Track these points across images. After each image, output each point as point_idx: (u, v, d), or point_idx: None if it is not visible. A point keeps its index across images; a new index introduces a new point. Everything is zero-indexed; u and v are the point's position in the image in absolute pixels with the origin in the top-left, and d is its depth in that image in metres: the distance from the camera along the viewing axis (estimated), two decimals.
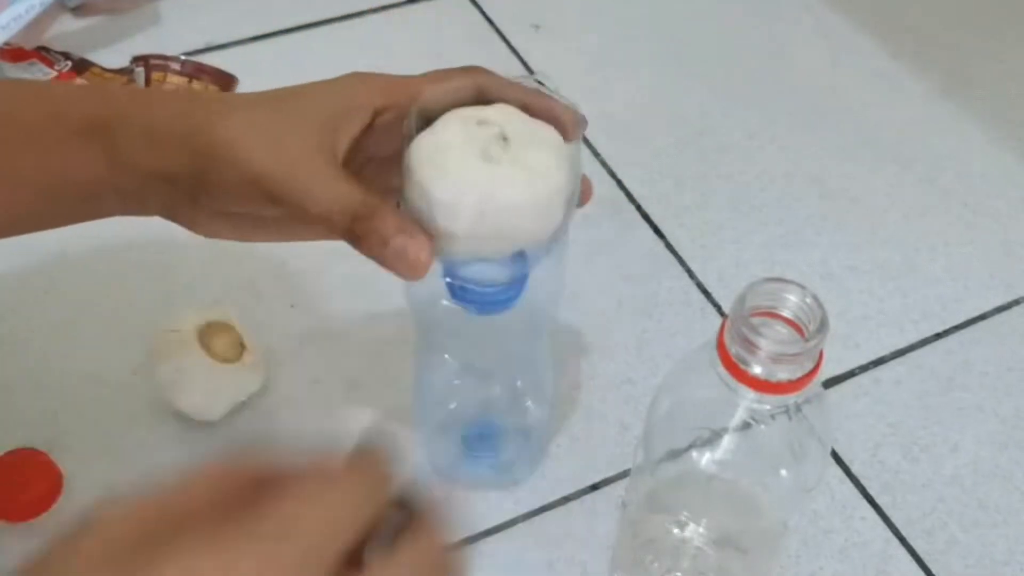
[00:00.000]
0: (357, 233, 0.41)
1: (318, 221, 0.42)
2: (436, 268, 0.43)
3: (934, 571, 0.57)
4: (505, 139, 0.42)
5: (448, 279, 0.45)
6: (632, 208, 0.73)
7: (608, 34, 0.86)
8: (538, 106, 0.45)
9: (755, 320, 0.39)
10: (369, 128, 0.45)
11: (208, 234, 0.47)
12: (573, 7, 0.88)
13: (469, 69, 0.46)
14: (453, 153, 0.42)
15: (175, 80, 0.74)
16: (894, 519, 0.58)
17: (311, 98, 0.45)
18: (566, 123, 0.45)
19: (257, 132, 0.43)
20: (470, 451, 0.57)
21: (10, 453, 0.57)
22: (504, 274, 0.45)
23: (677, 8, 0.89)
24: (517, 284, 0.46)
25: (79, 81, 0.75)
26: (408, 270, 0.41)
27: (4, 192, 0.45)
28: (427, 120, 0.44)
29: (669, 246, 0.71)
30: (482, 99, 0.45)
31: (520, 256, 0.44)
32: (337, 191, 0.42)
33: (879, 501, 0.59)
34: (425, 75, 0.47)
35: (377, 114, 0.46)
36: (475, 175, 0.41)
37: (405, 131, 0.44)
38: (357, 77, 0.47)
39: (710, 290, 0.69)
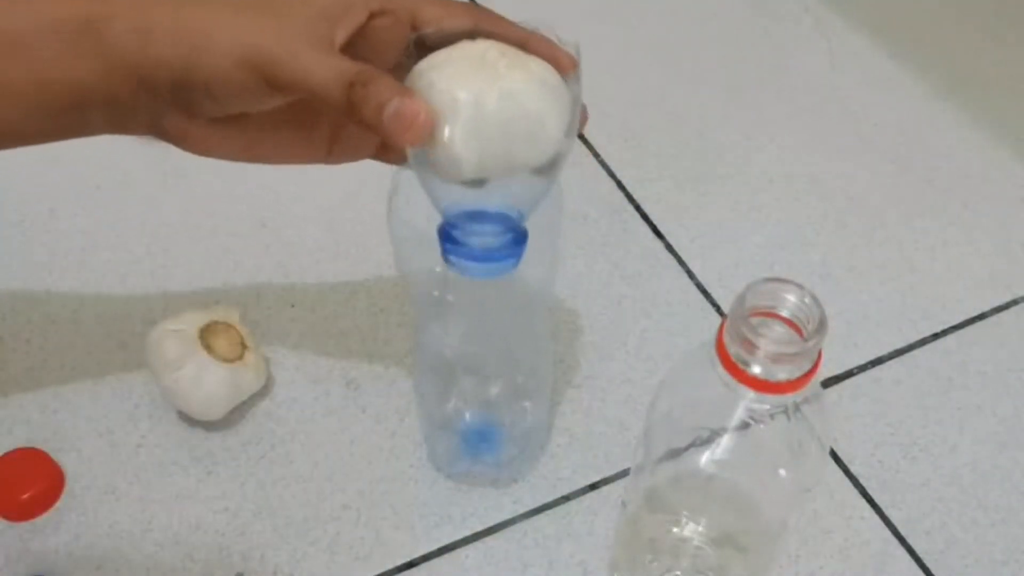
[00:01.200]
0: (354, 100, 0.41)
1: (316, 93, 0.42)
2: (435, 222, 0.44)
3: (933, 571, 0.57)
4: (504, 56, 0.43)
5: (448, 228, 0.45)
6: (631, 208, 0.73)
7: (608, 34, 0.86)
8: (535, 45, 0.45)
9: (754, 320, 0.39)
10: (363, 29, 0.45)
11: (200, 151, 0.46)
12: (573, 7, 0.88)
13: (468, 7, 0.46)
14: (454, 64, 0.42)
15: None
16: (893, 519, 0.58)
17: None
18: (561, 59, 0.45)
19: (252, 18, 0.43)
20: (469, 448, 0.57)
21: (10, 453, 0.57)
22: (503, 223, 0.45)
23: (677, 8, 0.89)
24: (516, 241, 0.45)
25: None
26: (407, 130, 0.41)
27: None
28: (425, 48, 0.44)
29: (668, 246, 0.71)
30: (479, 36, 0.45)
31: (519, 201, 0.45)
32: (333, 61, 0.42)
33: (878, 501, 0.59)
34: None
35: (372, 16, 0.45)
36: (476, 75, 0.42)
37: (405, 53, 0.44)
38: (331, 74, 0.47)
39: (709, 290, 0.69)
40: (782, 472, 0.44)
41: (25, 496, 0.55)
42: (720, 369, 0.39)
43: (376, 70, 0.42)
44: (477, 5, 0.47)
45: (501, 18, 0.46)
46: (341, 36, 0.44)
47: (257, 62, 0.42)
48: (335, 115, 0.47)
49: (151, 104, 0.45)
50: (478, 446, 0.57)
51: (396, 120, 0.41)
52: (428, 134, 0.41)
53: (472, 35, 0.45)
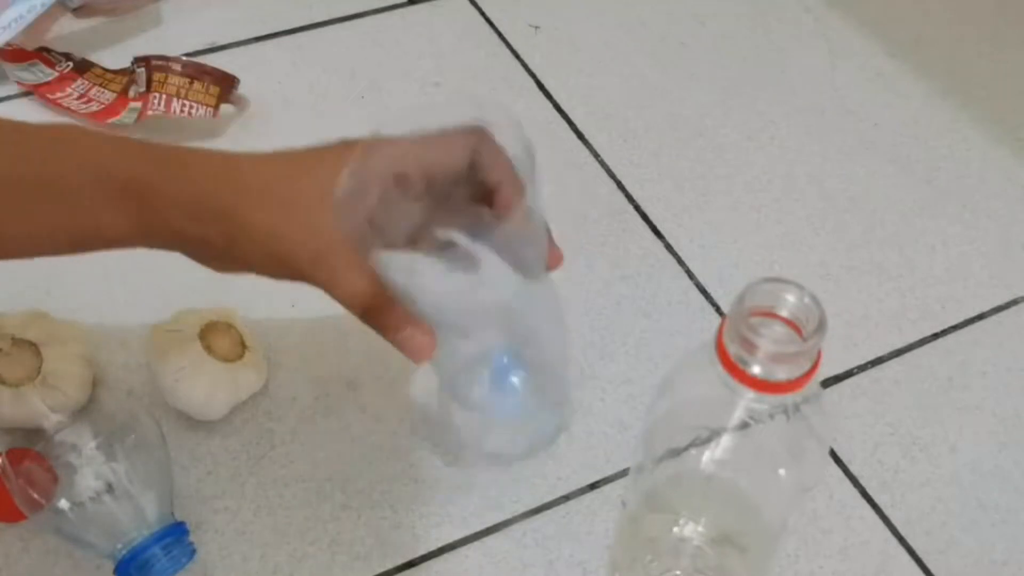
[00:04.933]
0: (369, 323, 0.48)
1: (338, 301, 0.48)
2: None
3: (933, 570, 0.57)
4: None
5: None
6: (631, 208, 0.73)
7: (608, 34, 0.86)
8: (502, 198, 0.48)
9: (754, 320, 0.39)
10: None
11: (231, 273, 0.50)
12: (573, 7, 0.88)
13: (470, 133, 0.49)
14: None
15: (176, 81, 0.74)
16: (893, 519, 0.59)
17: (330, 172, 0.47)
18: (509, 214, 0.48)
19: (285, 217, 0.47)
20: (497, 379, 0.57)
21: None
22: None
23: (677, 8, 0.89)
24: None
25: (80, 82, 0.75)
26: (415, 354, 0.48)
27: (32, 244, 0.49)
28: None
29: (668, 246, 0.71)
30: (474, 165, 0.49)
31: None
32: (355, 286, 0.48)
33: (878, 500, 0.59)
34: (426, 138, 0.49)
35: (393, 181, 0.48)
36: None
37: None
38: (372, 146, 0.48)
39: (709, 290, 0.69)
40: (782, 472, 0.44)
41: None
42: (720, 369, 0.39)
43: (387, 297, 0.47)
44: (479, 131, 0.49)
45: (497, 153, 0.49)
46: (362, 217, 0.47)
47: (288, 266, 0.48)
48: None
49: (188, 254, 0.49)
50: (502, 379, 0.57)
51: (406, 345, 0.48)
52: (432, 353, 0.48)
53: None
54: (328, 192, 0.46)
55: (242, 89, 0.76)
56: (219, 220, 0.47)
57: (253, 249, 0.47)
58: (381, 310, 0.48)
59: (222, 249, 0.47)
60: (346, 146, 0.48)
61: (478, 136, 0.48)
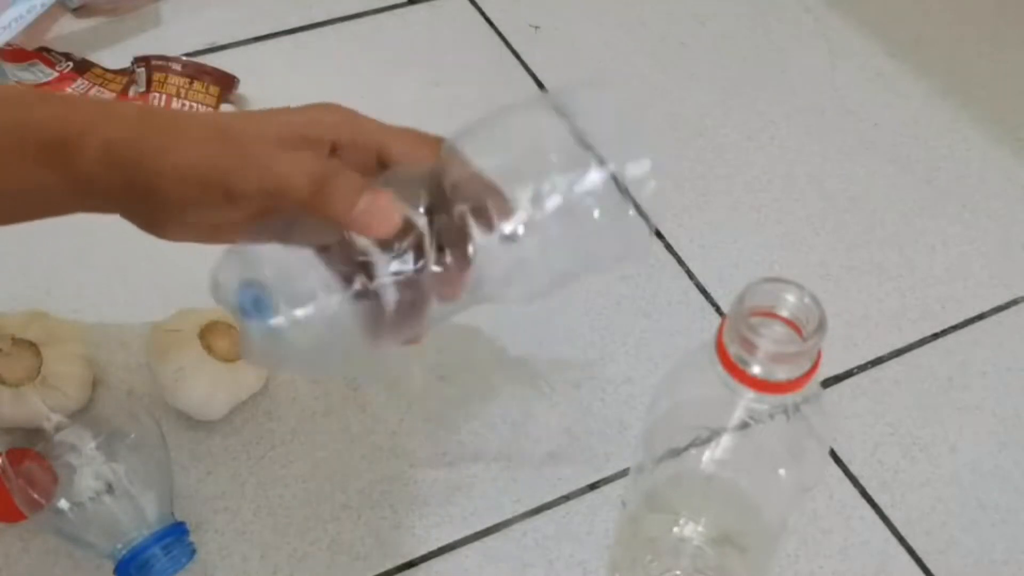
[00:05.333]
0: (322, 195, 0.41)
1: (280, 195, 0.42)
2: None
3: (933, 570, 0.57)
4: None
5: None
6: (631, 208, 0.73)
7: (608, 34, 0.86)
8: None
9: (754, 320, 0.39)
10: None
11: (174, 239, 0.47)
12: (573, 7, 0.88)
13: (433, 144, 0.46)
14: None
15: (176, 81, 0.74)
16: (893, 519, 0.59)
17: (268, 119, 0.45)
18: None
19: (208, 137, 0.43)
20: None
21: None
22: None
23: (677, 8, 0.89)
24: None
25: (80, 82, 0.75)
26: (381, 222, 0.41)
27: None
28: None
29: (668, 246, 0.71)
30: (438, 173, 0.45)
31: None
32: (296, 158, 0.42)
33: (878, 500, 0.59)
34: (389, 127, 0.46)
35: (335, 148, 0.45)
36: None
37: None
38: (323, 107, 0.46)
39: (709, 290, 0.69)
40: (782, 472, 0.44)
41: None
42: (720, 369, 0.40)
43: (340, 164, 0.42)
44: (441, 140, 0.46)
45: (462, 162, 0.45)
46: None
47: (213, 181, 0.42)
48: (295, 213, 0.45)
49: (121, 211, 0.45)
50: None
51: (370, 214, 0.41)
52: (397, 228, 0.42)
53: (435, 172, 0.45)
54: (263, 132, 0.43)
55: (242, 89, 0.76)
56: (140, 168, 0.43)
57: (176, 190, 0.43)
58: (337, 174, 0.41)
59: (148, 199, 0.44)
60: (288, 108, 0.46)
61: (440, 144, 0.46)
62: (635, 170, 0.45)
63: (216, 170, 0.42)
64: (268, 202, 0.43)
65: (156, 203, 0.44)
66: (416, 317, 0.46)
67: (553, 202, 0.44)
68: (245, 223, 0.45)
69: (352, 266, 0.43)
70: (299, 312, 0.42)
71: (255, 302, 0.43)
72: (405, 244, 0.43)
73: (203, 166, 0.42)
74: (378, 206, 0.41)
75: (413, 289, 0.44)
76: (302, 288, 0.43)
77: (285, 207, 0.43)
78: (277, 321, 0.42)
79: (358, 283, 0.43)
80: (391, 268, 0.43)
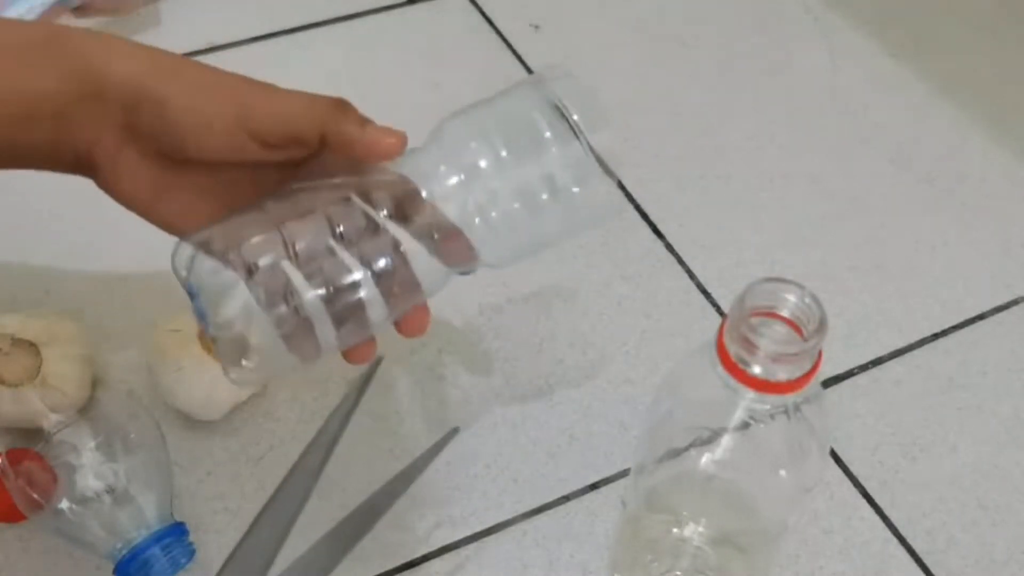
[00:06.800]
0: (341, 115, 0.44)
1: (299, 115, 0.44)
2: None
3: (933, 571, 0.57)
4: None
5: None
6: (631, 208, 0.73)
7: (608, 34, 0.86)
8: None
9: (754, 320, 0.39)
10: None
11: (122, 189, 0.46)
12: (573, 7, 0.88)
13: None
14: None
15: None
16: (893, 519, 0.59)
17: (258, 92, 0.46)
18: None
19: (197, 86, 0.44)
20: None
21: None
22: None
23: (677, 8, 0.89)
24: None
25: None
26: (391, 146, 0.44)
27: None
28: None
29: (669, 246, 0.71)
30: None
31: None
32: (311, 94, 0.45)
33: (878, 501, 0.59)
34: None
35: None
36: None
37: None
38: (309, 100, 0.46)
39: (710, 290, 0.69)
40: (782, 472, 0.44)
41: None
42: (720, 369, 0.39)
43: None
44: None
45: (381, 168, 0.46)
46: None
47: (233, 97, 0.44)
48: (298, 152, 0.46)
49: (99, 121, 0.44)
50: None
51: (378, 132, 0.44)
52: (404, 147, 0.44)
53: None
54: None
55: None
56: (141, 57, 0.44)
57: (184, 86, 0.44)
58: (349, 105, 0.45)
59: (140, 95, 0.43)
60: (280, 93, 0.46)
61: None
62: (588, 120, 0.48)
63: (237, 93, 0.44)
64: (290, 129, 0.44)
65: (154, 112, 0.43)
66: (359, 327, 0.47)
67: (507, 171, 0.45)
68: (251, 175, 0.46)
69: (281, 289, 0.43)
70: (224, 320, 0.43)
71: (193, 299, 0.44)
72: (328, 266, 0.43)
73: (223, 83, 0.44)
74: (385, 128, 0.44)
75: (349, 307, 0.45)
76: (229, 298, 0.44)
77: (305, 137, 0.44)
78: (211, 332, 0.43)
79: (283, 307, 0.43)
80: (312, 294, 0.44)
